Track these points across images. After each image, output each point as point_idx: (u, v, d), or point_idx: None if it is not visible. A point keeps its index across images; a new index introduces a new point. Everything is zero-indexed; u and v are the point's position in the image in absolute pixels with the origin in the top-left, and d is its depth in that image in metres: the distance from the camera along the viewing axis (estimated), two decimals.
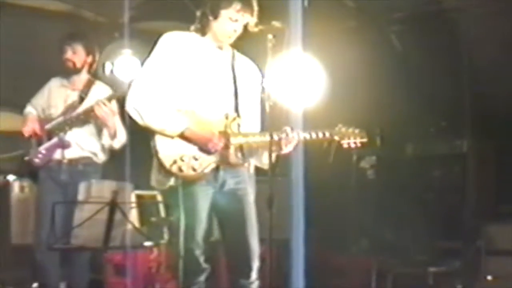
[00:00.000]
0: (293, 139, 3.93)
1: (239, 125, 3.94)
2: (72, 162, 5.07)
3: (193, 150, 3.84)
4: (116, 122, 5.03)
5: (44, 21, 6.48)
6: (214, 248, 3.97)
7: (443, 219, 6.33)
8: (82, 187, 4.51)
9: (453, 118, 6.51)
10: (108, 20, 6.68)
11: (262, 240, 3.93)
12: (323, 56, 5.84)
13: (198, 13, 4.00)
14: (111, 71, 6.18)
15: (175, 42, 3.91)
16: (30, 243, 5.33)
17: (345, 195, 6.74)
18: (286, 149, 3.93)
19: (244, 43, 4.03)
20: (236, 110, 3.95)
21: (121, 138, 5.10)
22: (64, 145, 5.03)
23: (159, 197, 5.82)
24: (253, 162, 4.02)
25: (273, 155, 3.80)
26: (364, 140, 4.06)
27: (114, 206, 4.35)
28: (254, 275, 3.91)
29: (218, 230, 4.01)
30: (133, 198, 4.65)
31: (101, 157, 5.19)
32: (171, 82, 3.85)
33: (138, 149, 4.55)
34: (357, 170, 6.80)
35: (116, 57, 6.25)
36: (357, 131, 4.05)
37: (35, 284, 5.27)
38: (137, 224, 4.60)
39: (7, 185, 6.01)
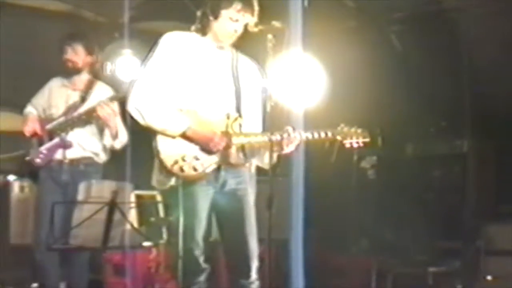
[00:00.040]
0: (294, 139, 3.93)
1: (240, 125, 3.94)
2: (74, 162, 5.07)
3: (195, 150, 3.84)
4: (117, 123, 5.03)
5: (44, 21, 6.48)
6: (214, 248, 3.97)
7: (443, 219, 6.33)
8: (82, 187, 4.51)
9: (453, 118, 6.51)
10: (108, 20, 6.68)
11: (261, 240, 3.93)
12: (323, 56, 5.84)
13: (198, 13, 3.99)
14: (112, 71, 6.18)
15: (176, 42, 3.91)
16: (29, 243, 5.33)
17: (345, 195, 6.74)
18: (287, 149, 3.93)
19: (244, 43, 4.03)
20: (238, 110, 3.95)
21: (122, 138, 5.11)
22: (65, 145, 5.03)
23: (159, 197, 5.82)
24: (254, 162, 4.02)
25: (275, 155, 3.80)
26: (367, 139, 4.05)
27: (113, 206, 4.36)
28: (253, 275, 3.91)
29: (217, 230, 4.01)
30: (132, 198, 4.66)
31: (102, 157, 5.20)
32: (172, 82, 3.85)
33: (138, 149, 4.55)
34: (358, 170, 6.79)
35: (116, 57, 6.25)
36: (359, 130, 4.04)
37: (34, 284, 5.26)
38: (136, 224, 4.60)
39: (7, 185, 6.01)
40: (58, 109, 5.15)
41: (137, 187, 4.80)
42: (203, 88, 3.89)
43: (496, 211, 6.31)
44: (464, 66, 6.27)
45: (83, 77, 5.22)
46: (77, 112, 5.07)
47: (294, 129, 3.95)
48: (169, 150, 3.81)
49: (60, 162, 5.06)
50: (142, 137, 4.01)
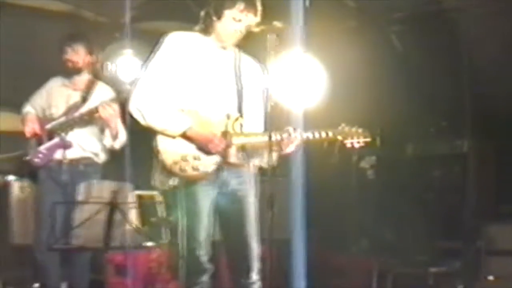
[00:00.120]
0: (295, 139, 3.92)
1: (241, 125, 3.93)
2: (73, 162, 5.06)
3: (196, 150, 3.84)
4: (118, 123, 5.03)
5: (44, 21, 6.48)
6: (215, 248, 3.97)
7: (443, 219, 6.33)
8: (82, 187, 4.52)
9: (453, 118, 6.51)
10: (109, 20, 6.68)
11: (262, 240, 3.93)
12: (324, 56, 5.86)
13: (201, 13, 3.99)
14: (112, 71, 6.17)
15: (178, 42, 3.90)
16: (30, 243, 5.32)
17: (345, 195, 6.74)
18: (288, 149, 3.93)
19: (245, 43, 4.03)
20: (240, 110, 3.94)
21: (122, 138, 5.10)
22: (65, 145, 5.03)
23: (159, 197, 5.82)
24: (256, 162, 4.01)
25: (276, 155, 3.80)
26: (368, 139, 4.04)
27: (114, 206, 4.36)
28: (254, 275, 3.91)
29: (219, 230, 4.01)
30: (133, 199, 4.66)
31: (101, 158, 5.19)
32: (174, 82, 3.84)
33: (137, 149, 4.55)
34: (357, 170, 6.80)
35: (117, 57, 6.25)
36: (360, 130, 4.03)
37: (36, 284, 5.26)
38: (137, 224, 4.60)
39: (7, 186, 6.01)
40: (58, 109, 5.14)
41: (137, 187, 4.80)
42: (205, 88, 3.88)
43: (496, 211, 6.31)
44: (464, 66, 6.27)
45: (84, 77, 5.22)
46: (79, 112, 5.06)
47: (295, 129, 3.95)
48: (170, 150, 3.81)
49: (60, 162, 5.05)
50: (141, 137, 4.01)
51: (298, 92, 5.02)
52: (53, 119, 5.11)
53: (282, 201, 3.82)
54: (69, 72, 5.19)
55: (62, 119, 5.08)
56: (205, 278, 3.85)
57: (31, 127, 5.10)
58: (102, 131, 5.09)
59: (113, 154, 5.23)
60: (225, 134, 3.88)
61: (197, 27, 3.99)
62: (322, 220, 5.89)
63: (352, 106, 6.11)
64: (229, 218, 3.95)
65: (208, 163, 3.84)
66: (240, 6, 3.86)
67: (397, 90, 6.57)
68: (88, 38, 5.29)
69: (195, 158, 3.82)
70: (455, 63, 6.28)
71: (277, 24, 3.83)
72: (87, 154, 5.12)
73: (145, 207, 5.47)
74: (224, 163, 3.88)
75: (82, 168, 5.08)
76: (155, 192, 5.82)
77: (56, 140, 5.05)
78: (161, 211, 5.79)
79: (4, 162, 5.72)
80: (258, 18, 3.88)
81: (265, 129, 3.98)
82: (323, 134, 3.99)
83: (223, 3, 3.88)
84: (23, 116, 5.20)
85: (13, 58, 6.15)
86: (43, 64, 5.77)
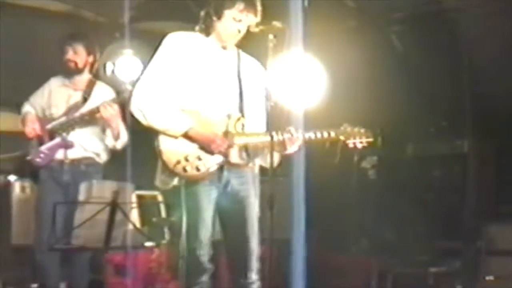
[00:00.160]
0: (297, 139, 3.93)
1: (243, 125, 3.93)
2: (75, 163, 5.06)
3: (197, 150, 3.84)
4: (119, 123, 5.03)
5: (44, 21, 6.48)
6: (216, 248, 3.97)
7: (443, 219, 6.33)
8: (83, 188, 4.52)
9: (454, 118, 6.51)
10: (108, 20, 6.68)
11: (262, 240, 3.93)
12: (324, 56, 5.85)
13: (202, 13, 3.99)
14: (112, 71, 6.18)
15: (179, 42, 3.91)
16: (30, 243, 5.32)
17: (346, 195, 6.74)
18: (290, 149, 3.93)
19: (245, 43, 4.03)
20: (241, 110, 3.95)
21: (124, 139, 5.10)
22: (67, 145, 5.03)
23: (160, 197, 5.83)
24: (258, 162, 4.01)
25: (277, 155, 3.80)
26: (370, 139, 4.04)
27: (115, 206, 4.36)
28: (254, 275, 3.91)
29: (220, 230, 4.01)
30: (133, 199, 4.66)
31: (103, 158, 5.19)
32: (175, 82, 3.84)
33: (139, 150, 4.55)
34: (358, 170, 6.80)
35: (117, 57, 6.25)
36: (362, 130, 4.04)
37: (35, 285, 5.26)
38: (138, 224, 4.60)
39: (8, 186, 6.01)
40: (58, 109, 5.14)
41: (138, 187, 4.80)
42: (206, 88, 3.89)
43: (496, 211, 6.31)
44: (464, 66, 6.28)
45: (84, 77, 5.22)
46: (79, 112, 5.06)
47: (296, 129, 3.95)
48: (172, 150, 3.81)
49: (61, 162, 5.05)
50: (142, 137, 4.01)
51: (298, 92, 5.01)
52: (53, 119, 5.11)
53: (282, 201, 3.82)
54: (69, 72, 5.19)
55: (63, 119, 5.08)
56: (205, 278, 3.86)
57: (31, 127, 5.10)
58: (103, 131, 5.09)
59: (114, 154, 5.23)
60: (226, 134, 3.89)
61: (197, 27, 4.00)
62: (322, 220, 5.88)
63: (352, 106, 6.11)
64: (230, 218, 3.95)
65: (210, 163, 3.85)
66: (240, 6, 3.86)
67: (397, 90, 6.57)
68: (88, 38, 5.29)
69: (197, 158, 3.83)
70: (455, 63, 6.29)
71: (276, 24, 3.84)
72: (89, 154, 5.12)
73: (146, 207, 5.47)
74: (226, 163, 3.89)
75: (84, 168, 5.08)
76: (156, 192, 5.82)
77: (57, 140, 5.05)
78: (162, 211, 5.79)
79: (5, 162, 5.72)
80: (258, 18, 3.89)
81: (267, 129, 3.99)
82: (325, 134, 4.00)
83: (223, 3, 3.89)
84: (23, 116, 5.20)
85: (13, 58, 6.15)
86: (43, 64, 5.77)
